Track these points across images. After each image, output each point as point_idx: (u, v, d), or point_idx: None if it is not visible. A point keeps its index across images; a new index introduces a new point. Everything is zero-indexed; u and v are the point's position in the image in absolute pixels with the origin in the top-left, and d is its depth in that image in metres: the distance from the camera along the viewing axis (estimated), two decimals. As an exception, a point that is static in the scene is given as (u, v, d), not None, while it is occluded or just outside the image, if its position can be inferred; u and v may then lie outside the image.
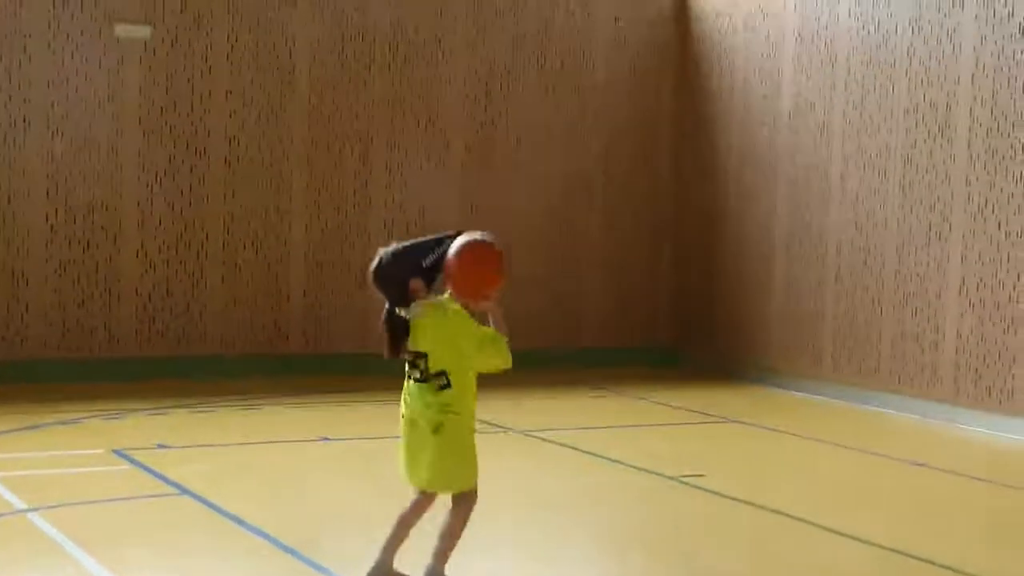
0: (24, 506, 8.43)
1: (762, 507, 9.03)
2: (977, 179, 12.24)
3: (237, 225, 13.88)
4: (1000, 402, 11.98)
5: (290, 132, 13.99)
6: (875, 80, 13.23)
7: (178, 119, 13.55)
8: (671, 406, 12.98)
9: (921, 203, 12.82)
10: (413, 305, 6.51)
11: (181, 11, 13.47)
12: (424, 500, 6.73)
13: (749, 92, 14.66)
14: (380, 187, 14.35)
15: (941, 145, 12.61)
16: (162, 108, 13.44)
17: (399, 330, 6.51)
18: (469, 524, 6.96)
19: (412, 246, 6.59)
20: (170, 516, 8.37)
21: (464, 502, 6.76)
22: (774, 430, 11.79)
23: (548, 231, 15.12)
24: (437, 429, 6.56)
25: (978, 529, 8.93)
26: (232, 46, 13.73)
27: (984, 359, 12.23)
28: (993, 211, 12.08)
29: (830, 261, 13.76)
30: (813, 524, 8.62)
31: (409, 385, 6.64)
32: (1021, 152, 11.88)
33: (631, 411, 12.85)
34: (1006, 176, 11.98)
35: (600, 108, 15.22)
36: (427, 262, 6.53)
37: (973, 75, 12.23)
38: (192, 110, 13.56)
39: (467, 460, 6.71)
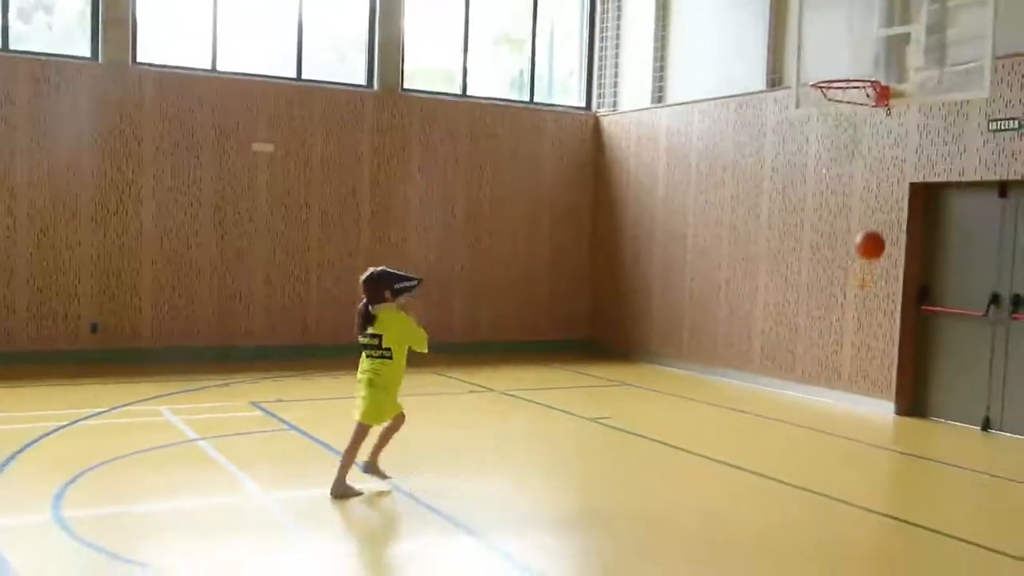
0: (195, 436, 8.36)
1: (649, 439, 9.04)
2: (774, 239, 12.38)
3: (327, 264, 13.45)
4: (787, 372, 12.21)
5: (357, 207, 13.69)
6: (713, 178, 13.24)
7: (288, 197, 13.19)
8: (591, 375, 12.92)
9: (740, 254, 12.91)
10: (380, 306, 6.74)
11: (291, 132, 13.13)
12: (362, 429, 6.80)
13: (639, 184, 14.54)
14: (412, 241, 13.97)
15: (751, 220, 12.65)
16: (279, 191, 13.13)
17: (367, 319, 6.72)
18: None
19: (392, 273, 6.80)
20: (286, 445, 8.24)
21: (398, 419, 6.93)
22: (656, 391, 11.70)
23: (514, 262, 14.76)
24: (371, 383, 6.75)
25: (777, 450, 9.00)
26: (321, 153, 13.43)
27: (775, 346, 12.45)
28: (785, 259, 12.24)
29: (687, 286, 13.69)
30: (680, 448, 8.64)
31: (363, 359, 6.80)
32: (799, 225, 11.98)
33: (566, 379, 12.62)
34: (791, 238, 12.16)
35: (548, 189, 14.95)
36: (397, 286, 6.76)
37: (771, 176, 12.40)
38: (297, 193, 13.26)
39: (389, 404, 6.82)
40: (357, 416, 6.85)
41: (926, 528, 6.69)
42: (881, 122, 10.97)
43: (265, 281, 13.34)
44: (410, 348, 6.83)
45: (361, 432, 6.83)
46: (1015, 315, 10.15)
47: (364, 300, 6.80)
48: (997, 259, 10.29)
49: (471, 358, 13.79)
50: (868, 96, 9.14)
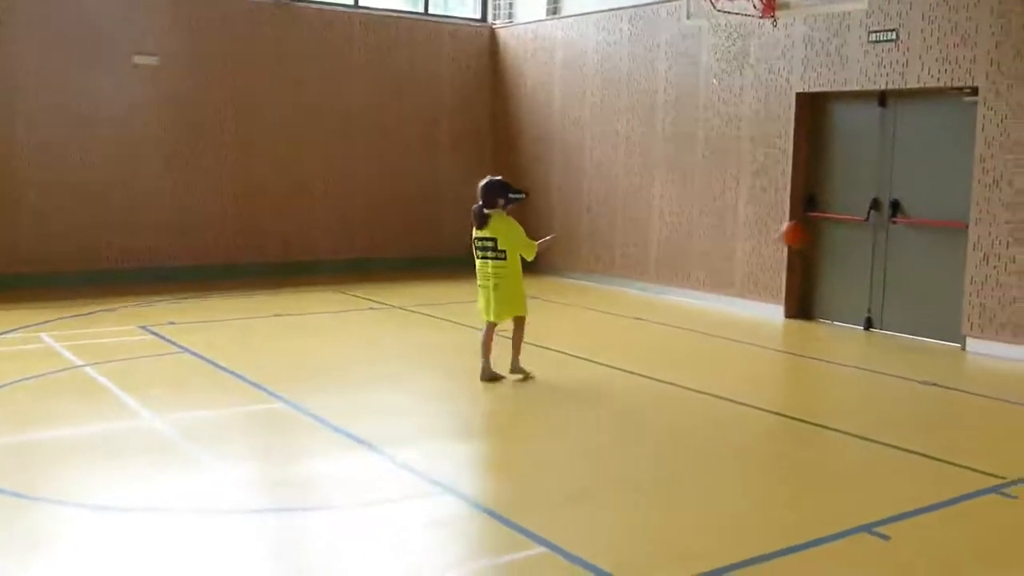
0: (81, 363, 8.13)
1: (552, 350, 9.09)
2: (669, 150, 12.54)
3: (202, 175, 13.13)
4: (683, 280, 12.50)
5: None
6: (609, 90, 13.35)
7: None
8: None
9: (637, 165, 13.05)
10: (493, 211, 7.77)
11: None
12: (492, 327, 7.88)
13: (536, 97, 14.57)
14: (308, 156, 13.66)
15: (647, 131, 12.86)
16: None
17: (483, 218, 7.76)
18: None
19: (507, 184, 7.89)
20: (178, 367, 8.09)
21: (519, 323, 7.98)
22: (556, 302, 11.74)
23: (413, 177, 14.70)
24: (496, 286, 7.80)
25: (675, 356, 9.16)
26: (213, 65, 13.05)
27: (672, 256, 12.66)
28: (679, 170, 12.42)
29: (584, 199, 13.83)
30: (582, 358, 8.70)
31: (480, 265, 7.85)
32: (693, 136, 12.16)
33: (468, 293, 10.30)
34: (685, 149, 12.33)
35: (446, 103, 14.86)
36: (511, 195, 7.83)
37: (665, 88, 12.57)
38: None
39: (518, 301, 7.89)
40: (489, 317, 7.81)
41: (807, 422, 6.98)
42: (769, 33, 11.22)
43: (156, 197, 13.01)
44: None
45: (491, 329, 7.84)
46: (893, 219, 10.49)
47: (480, 203, 7.76)
48: (877, 166, 10.58)
49: (372, 275, 13.81)
50: (755, 7, 9.41)
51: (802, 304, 11.43)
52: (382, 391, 7.55)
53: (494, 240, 7.74)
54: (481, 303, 7.94)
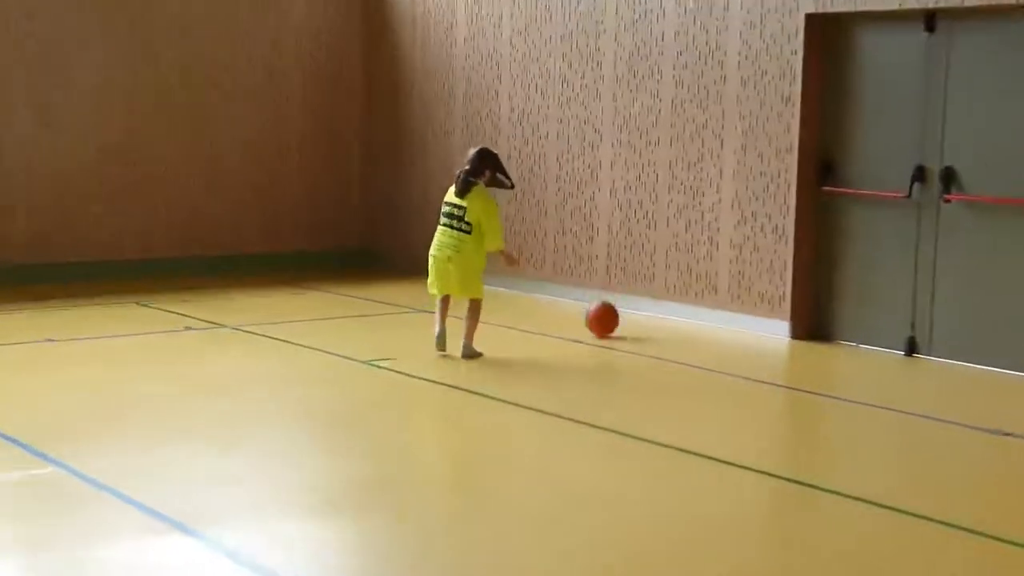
0: None
1: (451, 387, 9.38)
2: (622, 95, 12.73)
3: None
4: (644, 285, 12.63)
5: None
6: (534, 11, 13.52)
7: None
8: (366, 299, 13.17)
9: (575, 118, 13.25)
10: (476, 181, 10.11)
11: None
12: (446, 301, 10.25)
13: (431, 27, 14.73)
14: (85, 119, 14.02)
15: (589, 70, 13.03)
16: None
17: (466, 185, 10.06)
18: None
19: (499, 159, 10.42)
20: None
21: (475, 308, 10.19)
22: (462, 319, 10.75)
23: (250, 147, 15.16)
24: (451, 258, 10.06)
25: (632, 393, 9.52)
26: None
27: (627, 249, 12.84)
28: (637, 124, 12.59)
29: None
30: (498, 400, 8.94)
31: (440, 231, 10.17)
32: (656, 75, 12.37)
33: (328, 305, 12.87)
34: (645, 93, 12.51)
35: (298, 43, 15.28)
36: (499, 173, 10.26)
37: (616, 7, 12.63)
38: None
39: (474, 281, 10.16)
40: (441, 290, 10.28)
41: (823, 489, 7.06)
42: (767, -73, 11.51)
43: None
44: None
45: (446, 301, 10.32)
46: (946, 196, 10.57)
47: (467, 168, 10.17)
48: (923, 120, 10.69)
49: (190, 281, 14.19)
50: None
51: (816, 320, 11.58)
52: (203, 447, 7.76)
53: (464, 210, 10.05)
54: (432, 275, 10.26)
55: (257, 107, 15.28)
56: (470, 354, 10.19)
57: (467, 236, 10.04)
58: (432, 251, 10.22)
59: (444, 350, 10.17)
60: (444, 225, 10.16)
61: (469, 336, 10.19)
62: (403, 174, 15.41)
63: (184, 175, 14.88)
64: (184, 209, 14.93)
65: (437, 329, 10.17)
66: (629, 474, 7.37)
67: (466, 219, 10.02)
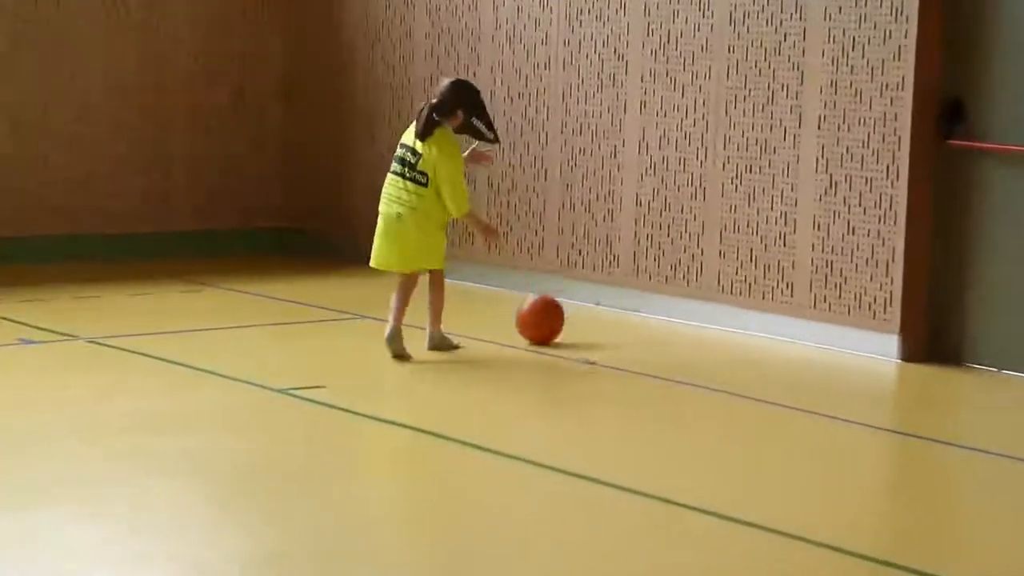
0: None
1: (407, 427, 9.22)
2: (655, 39, 12.53)
3: None
4: (687, 283, 12.35)
5: None
6: None
7: None
8: (288, 300, 13.14)
9: (593, 52, 12.96)
10: (441, 121, 10.08)
11: None
12: (408, 280, 10.36)
13: None
14: None
15: (607, 4, 12.83)
16: None
17: (429, 123, 10.05)
18: None
19: (480, 100, 10.41)
20: None
21: (436, 281, 10.32)
22: (408, 325, 11.28)
23: (141, 113, 15.39)
24: (400, 216, 10.11)
25: (676, 438, 9.29)
26: None
27: (666, 239, 12.51)
28: (677, 58, 12.32)
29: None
30: (473, 446, 8.76)
31: (390, 180, 10.26)
32: (706, 9, 12.17)
33: (236, 309, 12.85)
34: (689, 14, 12.25)
35: None
36: (475, 116, 10.24)
37: None
38: None
39: (431, 248, 10.24)
40: (387, 264, 10.46)
41: None
42: None
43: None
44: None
45: (407, 283, 10.31)
46: None
47: (433, 102, 10.00)
48: None
49: (30, 272, 13.93)
50: None
51: (939, 335, 11.31)
52: (50, 510, 7.50)
53: (419, 158, 10.02)
54: (377, 240, 10.23)
55: (160, 70, 15.65)
56: (440, 345, 10.33)
57: (424, 189, 10.03)
58: (381, 207, 10.26)
59: (402, 353, 10.13)
60: (395, 173, 10.10)
61: (436, 321, 10.29)
62: (345, 134, 15.28)
63: (53, 147, 14.95)
64: (25, 170, 14.86)
65: (391, 323, 10.10)
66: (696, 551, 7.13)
67: (419, 167, 10.04)
